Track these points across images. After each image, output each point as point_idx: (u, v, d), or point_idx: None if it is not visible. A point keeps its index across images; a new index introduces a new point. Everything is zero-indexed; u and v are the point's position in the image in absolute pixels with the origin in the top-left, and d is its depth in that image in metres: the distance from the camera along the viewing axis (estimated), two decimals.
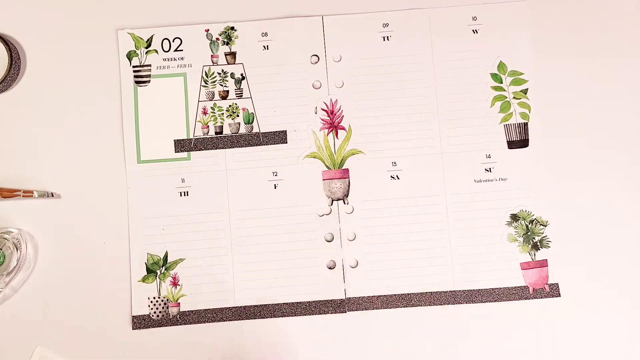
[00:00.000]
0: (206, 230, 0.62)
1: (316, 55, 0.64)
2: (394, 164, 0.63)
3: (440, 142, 0.63)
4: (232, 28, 0.64)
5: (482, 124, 0.63)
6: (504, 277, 0.61)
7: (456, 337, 0.61)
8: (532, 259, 0.62)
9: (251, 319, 0.61)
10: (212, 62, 0.64)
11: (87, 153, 0.63)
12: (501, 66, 0.64)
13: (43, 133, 0.63)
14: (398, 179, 0.63)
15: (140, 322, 0.61)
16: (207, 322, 0.61)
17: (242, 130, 0.63)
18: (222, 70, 0.64)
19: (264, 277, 0.62)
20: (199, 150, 0.63)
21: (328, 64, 0.64)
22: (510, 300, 0.61)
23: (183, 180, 0.63)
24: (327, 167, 0.63)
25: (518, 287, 0.61)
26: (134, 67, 0.64)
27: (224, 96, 0.64)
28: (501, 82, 0.64)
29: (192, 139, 0.63)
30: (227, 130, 0.63)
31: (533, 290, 0.61)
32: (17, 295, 0.61)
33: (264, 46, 0.64)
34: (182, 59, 0.64)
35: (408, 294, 0.61)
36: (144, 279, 0.62)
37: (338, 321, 0.61)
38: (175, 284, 0.62)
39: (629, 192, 0.62)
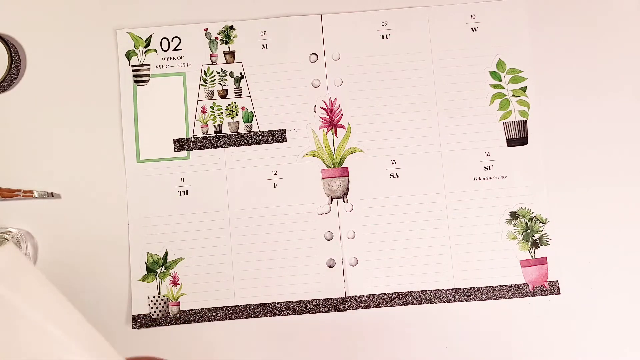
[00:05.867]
0: (206, 229, 0.62)
1: (315, 54, 0.64)
2: (394, 162, 0.63)
3: (440, 140, 0.63)
4: (231, 27, 0.64)
5: (481, 122, 0.63)
6: (503, 275, 0.61)
7: (456, 335, 0.61)
8: (532, 257, 0.61)
9: (251, 317, 0.61)
10: (211, 61, 0.64)
11: (86, 152, 0.63)
12: (500, 64, 0.64)
13: (43, 133, 0.63)
14: (397, 177, 0.63)
15: (140, 322, 0.61)
16: (207, 320, 0.61)
17: (242, 129, 0.63)
18: (221, 69, 0.64)
19: (263, 275, 0.62)
20: (198, 149, 0.63)
21: (327, 63, 0.64)
22: (510, 298, 0.61)
23: (182, 179, 0.63)
24: (326, 165, 0.63)
25: (518, 284, 0.61)
26: (133, 66, 0.64)
27: (223, 95, 0.64)
28: (500, 80, 0.64)
29: (191, 138, 0.63)
30: (226, 129, 0.63)
31: (533, 287, 0.61)
32: None
33: (263, 45, 0.64)
34: (181, 58, 0.64)
35: (408, 291, 0.61)
36: (143, 278, 0.62)
37: (338, 319, 0.61)
38: (175, 283, 0.62)
39: (628, 189, 0.62)
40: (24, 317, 0.26)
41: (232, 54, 0.64)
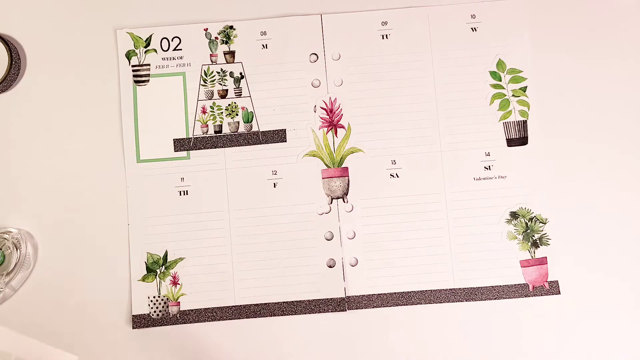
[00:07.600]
0: (206, 229, 0.62)
1: (315, 54, 0.64)
2: (394, 162, 0.63)
3: (440, 140, 0.63)
4: (231, 27, 0.64)
5: (481, 122, 0.63)
6: (503, 275, 0.61)
7: (456, 335, 0.61)
8: (532, 257, 0.61)
9: (251, 317, 0.61)
10: (211, 61, 0.64)
11: (86, 152, 0.63)
12: (500, 64, 0.64)
13: (43, 133, 0.63)
14: (397, 177, 0.63)
15: (140, 322, 0.61)
16: (207, 321, 0.61)
17: (242, 129, 0.63)
18: (221, 69, 0.64)
19: (263, 275, 0.62)
20: (198, 149, 0.63)
21: (327, 63, 0.64)
22: (510, 298, 0.61)
23: (182, 180, 0.63)
24: (326, 165, 0.63)
25: (518, 284, 0.61)
26: (133, 66, 0.64)
27: (223, 95, 0.64)
28: (500, 80, 0.64)
29: (191, 138, 0.63)
30: (226, 129, 0.63)
31: (533, 287, 0.61)
32: (17, 295, 0.61)
33: (263, 45, 0.64)
34: (181, 58, 0.64)
35: (408, 292, 0.61)
36: (143, 278, 0.62)
37: (338, 319, 0.61)
38: (175, 283, 0.62)
39: (628, 189, 0.62)
40: None
41: (232, 54, 0.64)
